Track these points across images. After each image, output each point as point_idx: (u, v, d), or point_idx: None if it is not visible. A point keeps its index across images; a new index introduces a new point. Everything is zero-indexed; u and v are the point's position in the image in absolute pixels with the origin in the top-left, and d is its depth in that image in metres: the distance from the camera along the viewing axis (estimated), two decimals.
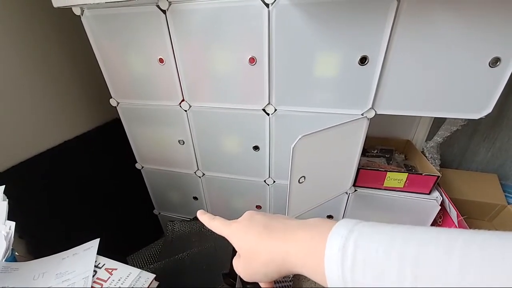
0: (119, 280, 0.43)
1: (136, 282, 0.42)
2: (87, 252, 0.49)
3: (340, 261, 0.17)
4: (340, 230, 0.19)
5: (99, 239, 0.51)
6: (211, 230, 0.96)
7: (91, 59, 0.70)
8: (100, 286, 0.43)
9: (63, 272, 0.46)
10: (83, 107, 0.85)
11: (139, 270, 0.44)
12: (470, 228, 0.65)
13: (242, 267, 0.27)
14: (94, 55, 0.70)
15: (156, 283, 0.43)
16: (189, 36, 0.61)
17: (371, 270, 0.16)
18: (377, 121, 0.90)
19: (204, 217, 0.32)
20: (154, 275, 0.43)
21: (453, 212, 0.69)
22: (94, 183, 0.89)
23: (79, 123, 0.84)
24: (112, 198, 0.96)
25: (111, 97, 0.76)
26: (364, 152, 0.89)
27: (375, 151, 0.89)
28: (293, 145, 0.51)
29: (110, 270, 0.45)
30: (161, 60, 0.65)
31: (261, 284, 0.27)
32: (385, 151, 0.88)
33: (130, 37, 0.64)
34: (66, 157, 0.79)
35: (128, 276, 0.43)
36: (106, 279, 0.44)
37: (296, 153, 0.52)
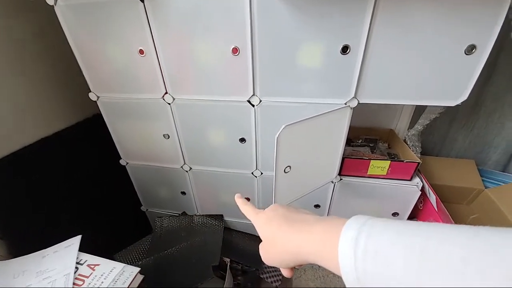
0: (101, 275, 0.42)
1: (119, 276, 0.41)
2: (68, 249, 0.48)
3: (353, 251, 0.19)
4: (353, 224, 0.20)
5: (80, 236, 0.50)
6: (200, 224, 0.96)
7: (68, 51, 0.67)
8: (82, 283, 0.42)
9: (44, 270, 0.45)
10: (61, 102, 0.81)
11: (123, 264, 0.43)
12: (448, 211, 0.68)
13: (263, 252, 0.30)
14: (70, 47, 0.67)
15: (141, 277, 0.43)
16: (169, 26, 0.59)
17: (381, 258, 0.17)
18: (361, 111, 0.92)
19: (239, 200, 0.37)
20: (139, 269, 0.42)
21: (432, 197, 0.72)
22: (76, 181, 0.86)
23: (57, 119, 0.80)
24: (97, 196, 0.93)
25: (90, 91, 0.73)
26: (349, 142, 0.91)
27: (359, 141, 0.90)
28: (277, 135, 0.51)
29: (92, 266, 0.44)
30: (141, 52, 0.63)
31: (282, 270, 0.30)
32: (369, 141, 0.90)
33: (108, 27, 0.62)
34: (44, 155, 0.76)
35: (111, 271, 0.42)
36: (88, 275, 0.43)
37: (281, 142, 0.52)
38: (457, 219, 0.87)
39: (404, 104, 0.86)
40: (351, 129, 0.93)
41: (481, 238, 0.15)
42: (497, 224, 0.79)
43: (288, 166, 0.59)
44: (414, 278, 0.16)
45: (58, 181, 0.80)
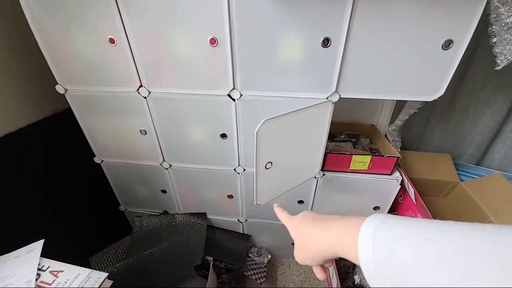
0: (65, 282, 0.39)
1: (85, 283, 0.38)
2: (30, 254, 0.44)
3: (371, 243, 0.21)
4: (373, 220, 0.23)
5: (43, 240, 0.46)
6: (182, 223, 0.95)
7: (33, 39, 0.61)
8: None
9: (4, 277, 0.41)
10: (26, 95, 0.75)
11: (89, 270, 0.40)
12: (425, 203, 0.69)
13: (295, 253, 0.33)
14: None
15: (109, 282, 0.40)
16: (141, 13, 0.55)
17: (395, 250, 0.20)
18: (343, 106, 0.92)
19: (277, 209, 0.41)
20: (107, 274, 0.39)
21: (411, 191, 0.74)
22: (46, 180, 0.80)
23: (22, 114, 0.74)
24: (70, 197, 0.87)
25: (57, 83, 0.68)
26: (332, 137, 0.91)
27: (342, 136, 0.91)
28: (256, 130, 0.49)
29: (55, 273, 0.41)
30: (111, 41, 0.59)
31: (315, 271, 0.33)
32: (351, 136, 0.91)
33: (73, 13, 0.57)
34: (7, 153, 0.70)
35: (76, 278, 0.39)
36: (51, 283, 0.40)
37: (260, 137, 0.51)
38: (434, 211, 0.89)
39: (384, 99, 0.87)
40: (334, 124, 0.93)
41: (484, 235, 0.17)
42: (472, 215, 0.83)
43: (269, 162, 0.57)
44: (421, 268, 0.18)
45: (24, 181, 0.74)
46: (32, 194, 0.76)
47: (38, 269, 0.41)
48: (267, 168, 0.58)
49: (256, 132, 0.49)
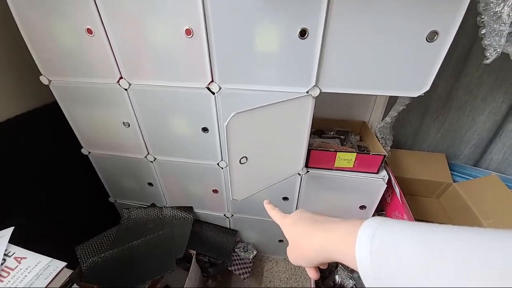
0: (26, 269, 0.40)
1: (43, 271, 0.39)
2: (0, 240, 0.45)
3: (369, 246, 0.21)
4: (371, 223, 0.23)
5: (13, 227, 0.47)
6: (169, 216, 0.95)
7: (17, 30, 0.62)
8: (7, 275, 0.39)
9: None
10: (15, 86, 0.76)
11: (50, 259, 0.41)
12: (417, 204, 0.67)
13: (289, 252, 0.32)
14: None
15: (69, 272, 0.40)
16: (117, 2, 0.54)
17: (394, 253, 0.19)
18: (335, 102, 0.90)
19: (268, 206, 0.39)
20: (65, 263, 0.40)
21: (397, 190, 0.71)
22: (37, 170, 0.81)
23: (12, 104, 0.75)
24: (61, 187, 0.89)
25: (41, 74, 0.69)
26: (321, 134, 0.89)
27: (331, 133, 0.89)
28: (226, 123, 0.48)
29: (19, 259, 0.42)
30: (89, 31, 0.58)
31: (308, 271, 0.32)
32: (341, 133, 0.88)
33: (53, 3, 0.57)
34: None
35: (36, 265, 0.40)
36: (13, 268, 0.40)
37: (231, 131, 0.49)
38: (426, 212, 0.87)
39: (376, 96, 0.84)
40: (324, 120, 0.92)
41: (482, 239, 0.17)
42: (463, 217, 0.80)
43: (244, 156, 0.56)
44: (419, 271, 0.17)
45: (14, 171, 0.75)
46: (23, 183, 0.77)
47: (5, 255, 0.42)
48: (242, 163, 0.57)
49: (226, 126, 0.48)
